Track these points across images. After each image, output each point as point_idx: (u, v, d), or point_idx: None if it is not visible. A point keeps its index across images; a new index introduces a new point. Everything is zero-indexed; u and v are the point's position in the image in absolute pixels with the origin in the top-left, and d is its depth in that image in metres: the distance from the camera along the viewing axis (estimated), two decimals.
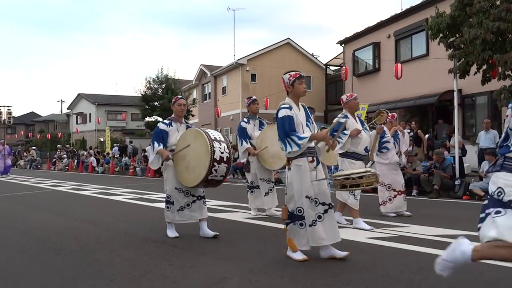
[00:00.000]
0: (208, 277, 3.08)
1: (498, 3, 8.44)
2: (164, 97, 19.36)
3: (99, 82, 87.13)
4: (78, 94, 39.09)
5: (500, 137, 8.21)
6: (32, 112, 54.43)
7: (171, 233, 4.41)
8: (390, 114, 5.89)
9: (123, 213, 6.56)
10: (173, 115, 4.59)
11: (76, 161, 23.29)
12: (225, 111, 22.71)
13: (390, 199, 5.82)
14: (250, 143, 5.77)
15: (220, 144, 4.01)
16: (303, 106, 3.60)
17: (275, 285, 2.88)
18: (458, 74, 9.55)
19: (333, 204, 3.50)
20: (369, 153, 5.21)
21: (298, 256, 3.40)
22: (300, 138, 3.33)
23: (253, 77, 22.14)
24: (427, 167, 8.95)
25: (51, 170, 24.07)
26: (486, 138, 9.85)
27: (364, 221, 4.86)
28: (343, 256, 3.39)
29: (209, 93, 25.95)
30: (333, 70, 23.80)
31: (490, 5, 8.48)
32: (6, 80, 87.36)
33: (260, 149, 5.65)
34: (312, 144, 3.45)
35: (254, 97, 6.01)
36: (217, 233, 4.35)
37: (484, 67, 9.09)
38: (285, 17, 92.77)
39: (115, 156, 21.04)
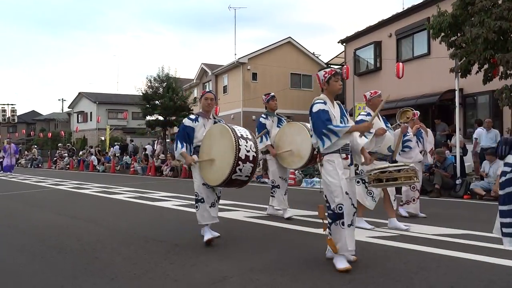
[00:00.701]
0: (209, 276, 3.08)
1: (500, 2, 8.42)
2: (165, 96, 19.33)
3: (100, 80, 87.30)
4: (79, 93, 39.10)
5: (501, 136, 8.27)
6: (33, 110, 54.53)
7: (208, 234, 4.06)
8: (414, 111, 5.59)
9: (123, 212, 6.56)
10: (200, 110, 4.40)
11: (77, 159, 23.32)
12: (226, 110, 22.69)
13: (414, 200, 5.67)
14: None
15: (247, 142, 3.76)
16: (338, 103, 3.45)
17: (276, 284, 2.88)
18: (459, 73, 9.52)
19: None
20: (393, 153, 4.98)
21: (342, 264, 3.10)
22: (338, 126, 3.16)
23: (254, 76, 22.12)
24: (428, 166, 8.93)
25: (52, 169, 24.10)
26: (487, 138, 9.81)
27: (365, 220, 4.84)
28: (351, 260, 3.23)
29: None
30: None
31: (492, 4, 8.45)
32: (7, 79, 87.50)
33: (282, 151, 5.42)
34: (347, 141, 3.25)
35: (272, 93, 5.81)
36: (219, 234, 4.26)
37: (486, 66, 9.06)
38: (286, 16, 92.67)
39: (116, 155, 21.06)
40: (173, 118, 19.89)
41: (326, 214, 3.20)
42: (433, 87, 13.64)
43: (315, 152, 4.70)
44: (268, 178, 6.03)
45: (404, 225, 4.75)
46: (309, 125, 5.29)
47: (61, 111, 48.66)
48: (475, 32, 8.42)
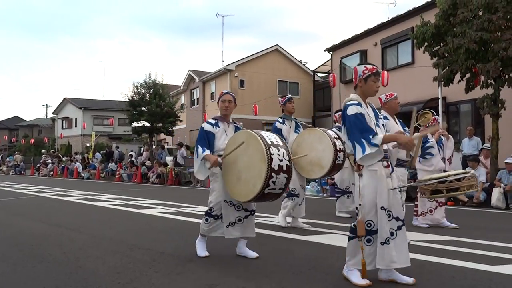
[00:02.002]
0: (195, 284, 3.05)
1: (480, 13, 8.67)
2: (151, 102, 19.23)
3: (85, 86, 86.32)
4: (64, 99, 38.57)
5: (483, 144, 8.32)
6: (16, 116, 53.49)
7: (201, 250, 3.84)
8: (433, 118, 5.26)
9: (108, 219, 6.47)
10: (218, 114, 3.96)
11: (61, 166, 22.93)
12: None
13: (431, 211, 5.37)
14: None
15: (279, 150, 3.31)
16: (370, 104, 3.08)
17: None
18: (442, 82, 9.75)
19: (404, 220, 2.98)
20: (412, 159, 4.82)
21: (360, 280, 2.90)
22: (379, 137, 2.81)
23: (242, 83, 22.20)
24: (413, 174, 9.06)
25: (35, 176, 23.62)
26: (469, 145, 10.04)
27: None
28: (409, 283, 2.91)
29: (197, 98, 25.90)
30: (321, 77, 24.03)
31: (473, 16, 8.70)
32: None
33: (297, 157, 4.94)
34: (385, 146, 2.96)
35: (289, 95, 5.42)
36: (258, 255, 3.77)
37: (468, 75, 9.29)
38: (274, 24, 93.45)
39: (101, 161, 20.79)
40: (160, 124, 19.78)
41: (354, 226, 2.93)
42: (417, 95, 13.89)
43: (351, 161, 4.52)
44: None
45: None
46: (330, 132, 5.04)
47: (45, 117, 47.87)
48: (457, 42, 8.65)
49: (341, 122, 3.05)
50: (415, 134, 4.68)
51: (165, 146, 21.14)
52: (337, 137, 4.91)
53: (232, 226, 3.71)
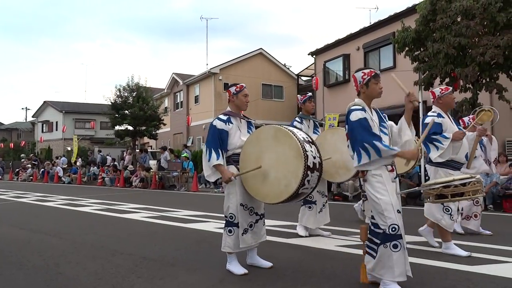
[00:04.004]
0: None
1: (459, 19, 8.90)
2: (134, 106, 19.02)
3: (67, 89, 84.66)
4: (44, 102, 37.80)
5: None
6: None
7: (238, 268, 3.35)
8: (471, 116, 4.90)
9: (89, 224, 6.35)
10: (228, 109, 3.56)
11: (41, 171, 22.41)
12: (198, 120, 22.57)
13: (476, 215, 4.91)
14: None
15: (311, 147, 3.07)
16: (375, 109, 3.01)
17: None
18: (423, 86, 9.95)
19: None
20: (468, 161, 4.19)
21: None
22: (385, 146, 2.74)
23: (226, 86, 22.15)
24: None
25: (13, 181, 23.01)
26: None
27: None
28: None
29: (181, 101, 25.75)
30: (304, 81, 24.21)
31: (451, 22, 8.92)
32: None
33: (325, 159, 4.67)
34: (389, 161, 2.87)
35: (310, 94, 5.08)
36: (272, 264, 3.53)
37: (447, 80, 9.52)
38: (258, 27, 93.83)
39: (83, 165, 20.43)
40: (143, 128, 19.59)
41: (369, 235, 2.83)
42: (399, 99, 14.04)
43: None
44: None
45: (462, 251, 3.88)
46: None
47: (24, 120, 46.77)
48: (436, 47, 8.85)
49: (346, 127, 2.94)
50: (470, 134, 4.23)
51: (149, 150, 20.92)
52: None
53: (246, 234, 3.37)
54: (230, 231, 3.38)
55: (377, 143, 2.73)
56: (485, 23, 8.70)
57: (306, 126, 4.90)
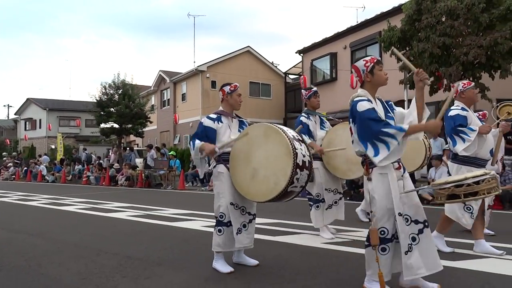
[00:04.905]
0: None
1: (443, 19, 9.03)
2: (120, 103, 18.79)
3: (51, 86, 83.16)
4: (27, 99, 37.04)
5: (446, 144, 7.82)
6: None
7: (224, 266, 3.35)
8: (481, 112, 4.70)
9: (73, 224, 6.25)
10: (221, 108, 3.58)
11: (24, 169, 21.97)
12: (185, 118, 22.43)
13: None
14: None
15: (301, 145, 3.06)
16: (379, 99, 2.86)
17: None
18: (408, 85, 10.09)
19: (428, 221, 2.69)
20: (493, 157, 4.02)
21: None
22: (394, 128, 2.56)
23: (213, 84, 22.08)
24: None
25: None
26: (434, 146, 10.40)
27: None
28: None
29: (168, 99, 25.55)
30: (292, 79, 24.28)
31: (436, 22, 9.05)
32: None
33: (334, 149, 4.40)
34: (404, 148, 2.71)
35: (315, 88, 4.90)
36: (258, 262, 3.55)
37: (432, 79, 9.63)
38: (245, 25, 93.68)
39: (67, 164, 20.11)
40: (129, 126, 19.37)
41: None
42: (385, 97, 14.15)
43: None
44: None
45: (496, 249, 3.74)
46: None
47: (6, 118, 45.78)
48: (421, 46, 8.97)
49: (350, 120, 2.76)
50: (493, 130, 3.99)
51: (135, 148, 20.71)
52: None
53: (240, 233, 3.34)
54: (219, 231, 3.37)
55: (388, 129, 2.55)
56: (469, 23, 8.86)
57: (313, 122, 4.72)
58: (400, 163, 2.74)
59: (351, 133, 2.78)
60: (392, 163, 2.64)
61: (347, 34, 16.95)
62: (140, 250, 4.19)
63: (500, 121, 4.13)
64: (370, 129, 2.59)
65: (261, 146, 3.16)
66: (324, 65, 18.40)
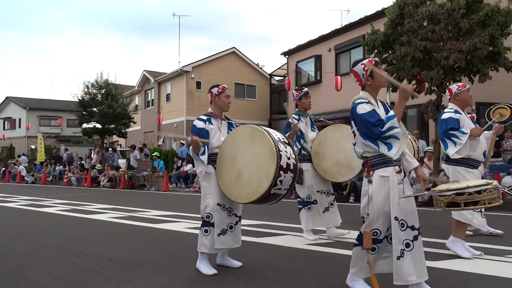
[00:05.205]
0: None
1: (425, 24, 9.22)
2: (103, 103, 18.53)
3: (31, 85, 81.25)
4: (6, 97, 36.18)
5: (428, 146, 7.83)
6: None
7: (207, 268, 3.33)
8: (470, 116, 4.62)
9: (54, 226, 6.12)
10: (210, 110, 3.57)
11: (2, 170, 21.41)
12: (169, 119, 22.27)
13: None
14: (303, 148, 4.61)
15: (286, 147, 3.07)
16: (381, 101, 2.83)
17: None
18: (390, 88, 10.25)
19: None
20: (486, 159, 4.05)
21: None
22: (390, 116, 2.56)
23: (198, 84, 21.99)
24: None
25: None
26: None
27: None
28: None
29: (152, 99, 25.31)
30: (277, 80, 24.37)
31: (418, 26, 9.23)
32: None
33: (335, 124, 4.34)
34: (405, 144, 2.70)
35: (306, 89, 4.88)
36: (242, 264, 3.54)
37: (414, 82, 9.84)
38: (231, 26, 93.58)
39: (47, 164, 19.70)
40: (112, 126, 19.11)
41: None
42: None
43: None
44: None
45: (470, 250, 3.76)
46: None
47: None
48: (403, 50, 9.14)
49: (352, 123, 2.75)
50: (487, 132, 3.97)
51: (118, 149, 20.44)
52: None
53: (224, 235, 3.33)
54: (206, 231, 3.35)
55: (386, 127, 2.54)
56: (449, 28, 9.07)
57: (304, 123, 4.68)
58: (401, 167, 2.72)
59: (354, 136, 2.75)
60: (393, 166, 2.63)
61: (332, 37, 17.12)
62: (122, 252, 4.13)
63: (492, 123, 4.12)
64: (373, 133, 2.59)
65: (247, 148, 3.17)
66: (309, 67, 18.54)
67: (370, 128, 2.58)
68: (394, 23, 9.71)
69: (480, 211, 3.73)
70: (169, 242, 4.69)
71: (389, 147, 2.57)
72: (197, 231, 5.24)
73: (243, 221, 5.43)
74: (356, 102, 2.71)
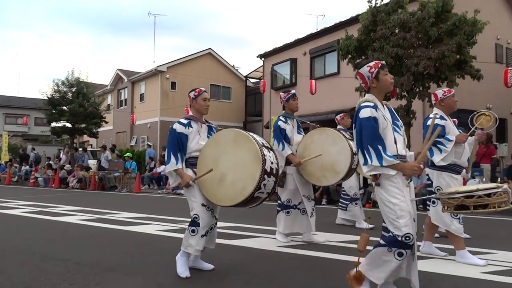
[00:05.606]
0: None
1: (397, 31, 9.50)
2: (74, 102, 18.01)
3: None
4: None
5: None
6: None
7: (183, 269, 3.29)
8: (452, 119, 4.61)
9: (18, 228, 5.87)
10: (190, 113, 3.54)
11: None
12: (143, 119, 21.87)
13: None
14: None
15: (269, 152, 3.10)
16: (387, 105, 2.75)
17: None
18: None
19: None
20: (468, 165, 4.06)
21: None
22: (388, 156, 2.47)
23: (173, 85, 21.72)
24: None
25: None
26: None
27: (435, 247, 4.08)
28: None
29: (126, 99, 24.78)
30: (253, 83, 24.43)
31: (390, 33, 9.50)
32: None
33: (311, 157, 4.36)
34: (404, 152, 2.65)
35: (293, 91, 4.80)
36: (214, 266, 3.51)
37: None
38: (207, 27, 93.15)
39: (12, 163, 18.92)
40: (83, 125, 18.60)
41: (382, 242, 2.54)
42: (342, 104, 14.74)
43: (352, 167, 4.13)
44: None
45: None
46: (346, 133, 4.36)
47: None
48: (376, 56, 9.37)
49: (354, 125, 2.68)
50: (469, 138, 3.89)
51: (88, 149, 19.90)
52: (351, 138, 4.44)
53: (207, 236, 3.34)
54: (193, 231, 3.30)
55: (380, 147, 2.48)
56: (420, 36, 9.38)
57: (290, 126, 4.60)
58: None
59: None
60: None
61: (307, 41, 17.34)
62: (90, 256, 4.01)
63: (475, 129, 4.13)
64: (367, 137, 2.51)
65: (230, 152, 3.18)
66: (284, 70, 18.68)
67: (368, 133, 2.51)
68: (367, 29, 9.95)
69: (459, 218, 3.75)
70: (140, 245, 4.60)
71: (370, 159, 2.50)
72: (169, 234, 5.22)
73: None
74: (362, 104, 2.63)
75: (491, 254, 4.05)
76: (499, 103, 13.22)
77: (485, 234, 5.18)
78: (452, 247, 3.85)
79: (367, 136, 2.51)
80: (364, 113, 2.56)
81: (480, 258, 3.72)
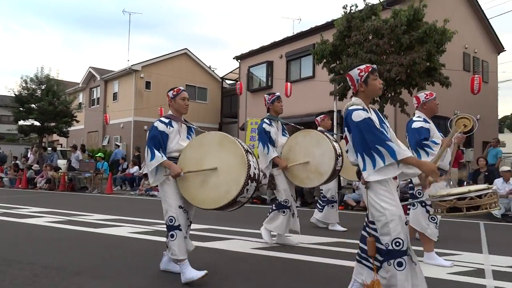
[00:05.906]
0: None
1: (370, 37, 9.73)
2: (43, 99, 17.40)
3: None
4: None
5: None
6: None
7: (195, 272, 3.14)
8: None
9: None
10: (170, 113, 3.49)
11: None
12: (116, 118, 21.40)
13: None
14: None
15: (252, 158, 3.11)
16: (373, 109, 2.70)
17: None
18: (337, 97, 10.68)
19: None
20: (450, 168, 4.09)
21: None
22: (400, 148, 2.40)
23: (148, 84, 21.39)
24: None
25: None
26: None
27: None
28: None
29: (98, 98, 24.20)
30: (229, 84, 24.40)
31: (364, 39, 9.72)
32: None
33: (298, 163, 4.42)
34: (400, 171, 2.51)
35: (278, 94, 4.82)
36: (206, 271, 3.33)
37: None
38: (183, 27, 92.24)
39: None
40: (53, 124, 18.01)
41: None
42: (316, 107, 14.95)
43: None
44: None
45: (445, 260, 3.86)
46: (332, 135, 4.42)
47: None
48: (350, 61, 9.57)
49: (345, 129, 2.61)
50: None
51: (58, 148, 19.28)
52: (335, 140, 4.57)
53: (186, 238, 3.29)
54: (172, 236, 3.20)
55: (391, 144, 2.39)
56: (392, 43, 9.65)
57: (275, 128, 4.60)
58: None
59: (346, 142, 2.64)
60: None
61: (284, 44, 17.49)
62: (58, 259, 3.89)
63: (455, 132, 4.05)
64: (369, 138, 2.42)
65: (214, 155, 3.15)
66: (260, 73, 18.77)
67: (371, 133, 2.43)
68: (342, 34, 10.15)
69: (436, 223, 3.80)
70: (110, 247, 4.49)
71: (374, 163, 2.42)
72: (141, 236, 5.13)
73: (194, 226, 5.38)
74: (350, 108, 2.56)
75: (457, 255, 4.20)
76: (466, 110, 13.78)
77: (451, 236, 5.37)
78: (421, 248, 3.97)
79: (372, 137, 2.42)
80: (358, 116, 2.48)
81: (446, 260, 3.86)
